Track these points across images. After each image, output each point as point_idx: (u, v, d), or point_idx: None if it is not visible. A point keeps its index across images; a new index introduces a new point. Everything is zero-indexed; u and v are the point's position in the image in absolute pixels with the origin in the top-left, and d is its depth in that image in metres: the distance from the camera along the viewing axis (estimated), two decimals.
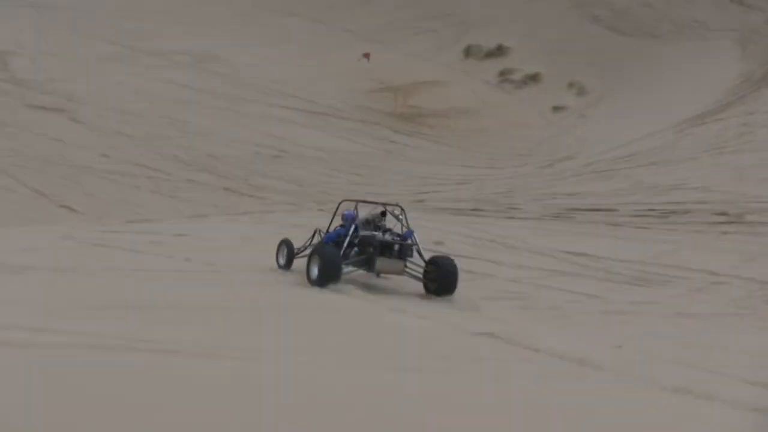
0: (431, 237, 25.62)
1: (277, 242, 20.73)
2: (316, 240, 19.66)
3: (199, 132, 44.86)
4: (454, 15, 59.88)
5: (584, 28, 56.02)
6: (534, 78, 53.09)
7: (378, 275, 19.25)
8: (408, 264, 18.68)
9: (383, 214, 19.13)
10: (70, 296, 16.17)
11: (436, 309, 17.68)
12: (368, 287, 19.45)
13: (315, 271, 17.78)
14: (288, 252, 20.02)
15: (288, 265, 19.98)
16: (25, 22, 57.41)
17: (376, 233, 18.60)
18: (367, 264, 18.47)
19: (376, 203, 19.81)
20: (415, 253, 18.69)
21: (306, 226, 22.72)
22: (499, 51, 55.82)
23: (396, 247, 18.31)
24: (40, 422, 7.45)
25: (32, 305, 14.43)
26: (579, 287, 20.77)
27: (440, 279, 18.28)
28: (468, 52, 56.51)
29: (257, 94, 50.36)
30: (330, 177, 41.08)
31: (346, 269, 18.29)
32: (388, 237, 18.58)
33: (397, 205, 19.95)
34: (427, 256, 18.93)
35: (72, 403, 8.01)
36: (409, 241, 18.60)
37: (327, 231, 19.42)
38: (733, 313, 18.85)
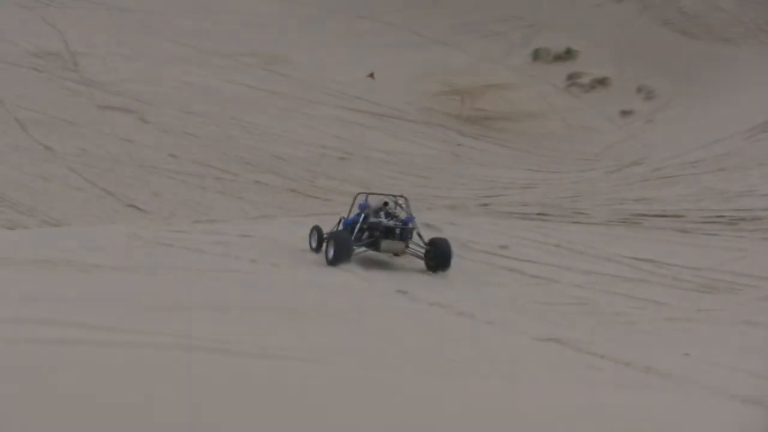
0: (497, 241, 25.53)
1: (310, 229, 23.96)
2: (341, 227, 23.18)
3: (266, 133, 45.02)
4: (522, 18, 59.60)
5: (654, 31, 55.52)
6: (602, 82, 52.66)
7: (395, 254, 22.84)
8: (411, 246, 22.49)
9: (385, 204, 22.93)
10: (136, 295, 16.31)
11: (502, 314, 17.67)
12: (427, 289, 19.49)
13: (331, 253, 21.60)
14: (318, 236, 23.21)
15: (318, 247, 23.06)
16: (96, 23, 57.97)
17: (382, 220, 22.41)
18: (375, 245, 22.33)
19: (385, 195, 23.98)
20: (417, 236, 22.59)
21: None
22: (568, 54, 55.42)
23: (398, 231, 22.20)
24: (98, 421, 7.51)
25: (99, 304, 14.57)
26: (646, 294, 20.58)
27: (437, 257, 21.93)
28: (536, 55, 56.18)
29: (324, 95, 50.43)
30: (395, 180, 41.01)
31: (358, 249, 22.16)
32: (391, 223, 22.36)
33: (401, 196, 24.14)
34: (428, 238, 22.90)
35: (135, 402, 8.06)
36: (410, 226, 22.45)
37: (350, 218, 23.14)
38: None
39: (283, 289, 19.50)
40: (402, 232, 22.29)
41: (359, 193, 24.43)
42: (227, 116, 46.52)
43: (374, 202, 23.39)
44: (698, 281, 21.53)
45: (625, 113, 49.43)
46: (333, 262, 21.48)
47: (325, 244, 22.33)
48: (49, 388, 8.37)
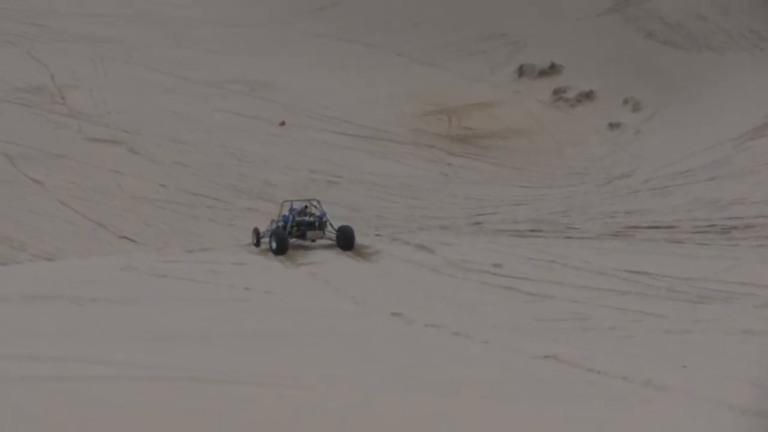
0: (490, 259, 25.51)
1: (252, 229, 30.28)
2: (273, 226, 29.27)
3: (255, 159, 44.97)
4: (506, 35, 59.61)
5: (637, 43, 55.51)
6: (588, 95, 52.60)
7: (313, 240, 29.23)
8: (327, 233, 29.28)
9: (306, 207, 30.03)
10: (132, 328, 16.28)
11: (499, 333, 17.65)
12: (421, 311, 19.49)
13: (273, 245, 28.07)
14: (257, 236, 29.43)
15: (258, 244, 29.24)
16: (82, 55, 57.92)
17: (305, 218, 29.43)
18: (302, 236, 29.05)
19: (304, 200, 31.08)
20: (329, 226, 29.46)
21: (361, 251, 28.15)
22: (553, 69, 55.36)
23: (316, 224, 29.31)
24: None
25: (95, 338, 14.54)
26: (641, 306, 20.54)
27: (343, 240, 28.48)
28: (521, 71, 56.14)
29: (311, 120, 50.40)
30: (386, 201, 41.00)
31: (291, 240, 28.55)
32: (311, 219, 29.47)
33: (315, 199, 31.35)
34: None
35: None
36: (324, 220, 29.47)
37: (278, 220, 29.54)
38: None
39: (279, 317, 19.49)
40: (319, 224, 29.42)
41: (284, 201, 31.10)
42: (215, 144, 46.51)
43: (297, 205, 30.21)
44: (693, 292, 21.50)
45: (612, 126, 49.42)
46: (276, 252, 27.89)
47: (268, 240, 28.64)
48: (50, 427, 8.35)
